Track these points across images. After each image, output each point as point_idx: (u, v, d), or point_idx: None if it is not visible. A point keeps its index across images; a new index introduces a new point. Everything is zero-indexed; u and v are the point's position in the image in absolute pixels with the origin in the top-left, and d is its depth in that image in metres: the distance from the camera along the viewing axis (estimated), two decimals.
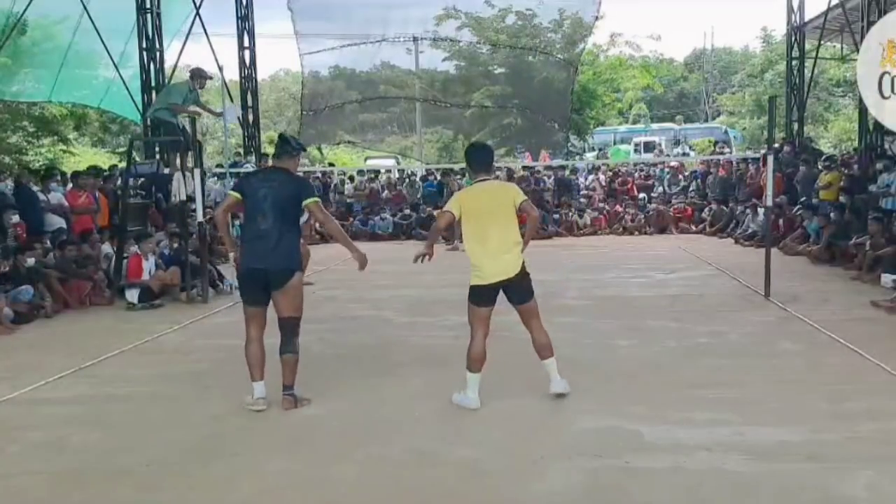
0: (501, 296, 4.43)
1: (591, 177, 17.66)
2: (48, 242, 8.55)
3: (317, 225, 14.54)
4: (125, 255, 8.58)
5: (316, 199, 4.53)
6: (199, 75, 9.62)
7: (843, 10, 13.48)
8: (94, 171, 12.24)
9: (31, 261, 7.82)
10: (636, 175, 17.97)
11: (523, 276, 4.39)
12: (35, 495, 3.45)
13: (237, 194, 4.53)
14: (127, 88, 13.75)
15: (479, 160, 4.53)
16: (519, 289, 4.39)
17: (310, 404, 4.54)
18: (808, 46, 16.07)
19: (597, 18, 16.81)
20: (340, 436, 4.07)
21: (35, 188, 9.56)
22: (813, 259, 10.32)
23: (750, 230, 13.03)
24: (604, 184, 17.20)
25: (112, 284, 8.59)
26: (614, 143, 28.24)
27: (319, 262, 11.80)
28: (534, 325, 4.45)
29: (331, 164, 18.22)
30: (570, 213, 15.80)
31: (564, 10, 18.15)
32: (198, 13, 13.87)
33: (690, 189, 16.77)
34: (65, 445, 4.04)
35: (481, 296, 4.37)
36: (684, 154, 19.68)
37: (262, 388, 4.48)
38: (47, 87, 15.61)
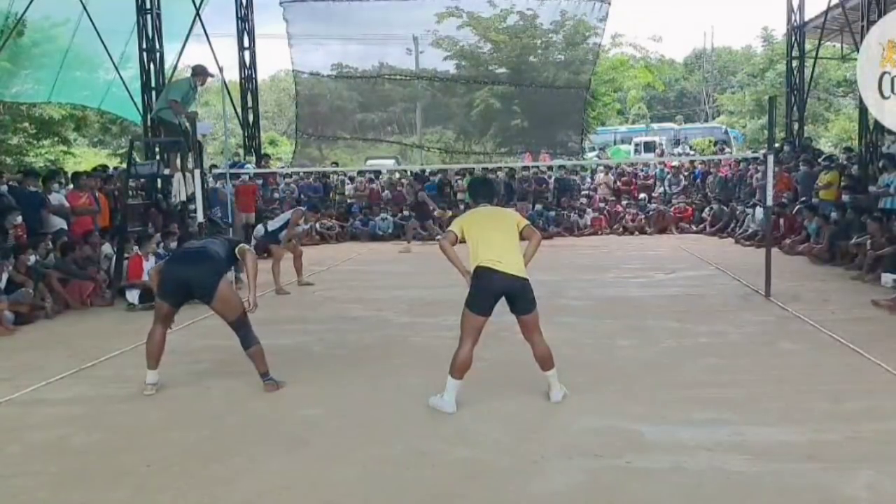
0: (501, 304, 4.40)
1: (599, 176, 17.65)
2: (49, 244, 8.54)
3: (317, 225, 14.59)
4: (126, 255, 8.59)
5: None
6: (201, 73, 9.61)
7: (843, 10, 13.47)
8: (103, 170, 12.26)
9: (32, 258, 7.82)
10: (641, 175, 17.97)
11: (528, 284, 4.35)
12: (35, 495, 3.45)
13: None
14: (127, 89, 13.72)
15: (481, 192, 4.75)
16: (522, 297, 4.34)
17: (286, 385, 4.90)
18: (808, 46, 16.06)
19: (605, 19, 16.76)
20: (340, 436, 4.07)
21: (33, 189, 9.53)
22: (813, 259, 10.33)
23: (750, 230, 13.04)
24: (612, 185, 17.20)
25: (112, 285, 8.60)
26: (614, 143, 28.27)
27: (319, 262, 11.80)
28: (535, 337, 4.43)
29: (335, 164, 18.10)
30: (571, 214, 15.80)
31: (566, 12, 18.12)
32: (198, 14, 13.86)
33: (690, 188, 16.78)
34: (65, 446, 4.04)
35: (481, 298, 4.28)
36: (689, 158, 19.67)
37: (154, 375, 4.90)
38: (47, 89, 15.60)
